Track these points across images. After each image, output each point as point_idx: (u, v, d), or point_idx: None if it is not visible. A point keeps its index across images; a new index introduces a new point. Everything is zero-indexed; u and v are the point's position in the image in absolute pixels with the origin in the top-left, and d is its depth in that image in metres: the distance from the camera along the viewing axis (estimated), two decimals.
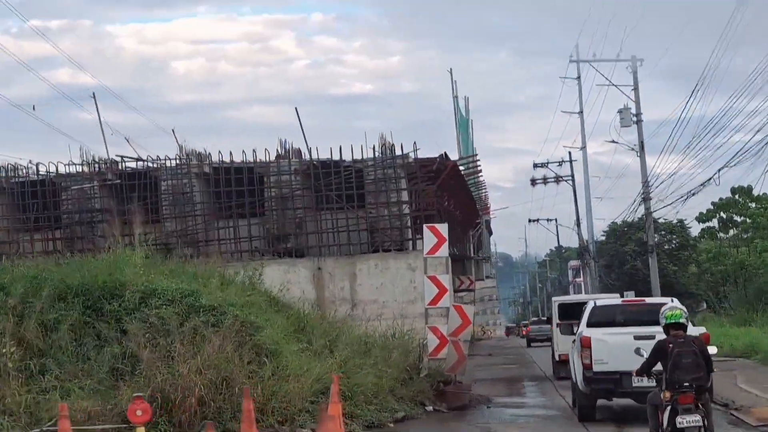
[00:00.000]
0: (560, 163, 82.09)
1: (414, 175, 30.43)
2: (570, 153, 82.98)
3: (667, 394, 12.65)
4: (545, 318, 60.81)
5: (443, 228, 26.12)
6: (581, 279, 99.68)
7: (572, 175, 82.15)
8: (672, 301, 18.40)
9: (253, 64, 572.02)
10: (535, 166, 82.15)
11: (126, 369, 19.02)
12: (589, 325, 20.81)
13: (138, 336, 19.29)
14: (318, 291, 28.93)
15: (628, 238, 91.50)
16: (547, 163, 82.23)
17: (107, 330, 20.01)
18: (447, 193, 39.47)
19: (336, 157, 30.07)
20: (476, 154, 43.24)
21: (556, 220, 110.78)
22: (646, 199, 53.17)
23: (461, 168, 35.68)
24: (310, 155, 30.87)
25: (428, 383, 24.48)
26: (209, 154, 31.38)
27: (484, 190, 53.68)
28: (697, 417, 12.41)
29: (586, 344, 19.84)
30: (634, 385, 18.59)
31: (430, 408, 23.73)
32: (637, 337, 17.57)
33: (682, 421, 12.37)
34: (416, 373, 24.23)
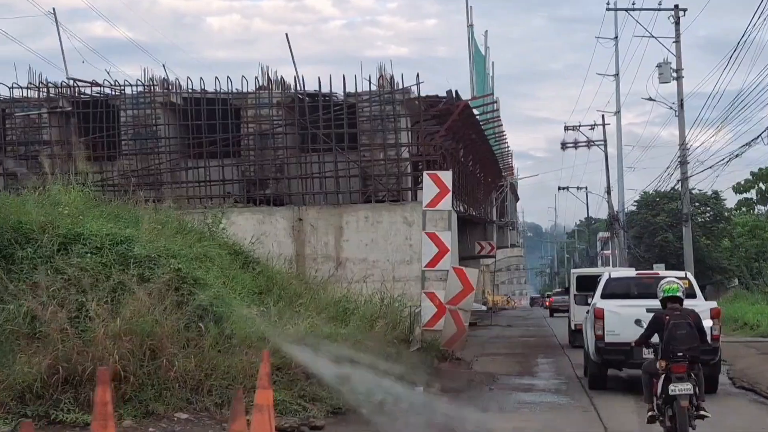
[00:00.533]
0: (592, 127, 77.61)
1: (419, 114, 25.95)
2: (603, 116, 78.45)
3: (662, 363, 12.99)
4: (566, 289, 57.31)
5: (446, 177, 21.94)
6: (609, 251, 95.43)
7: (604, 140, 77.65)
8: (685, 275, 19.88)
9: (288, 22, 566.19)
10: (566, 128, 77.66)
11: (24, 332, 14.88)
12: (604, 296, 20.97)
13: (44, 291, 15.17)
14: (297, 246, 24.51)
15: (661, 209, 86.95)
16: (579, 126, 77.70)
17: (16, 282, 15.90)
18: (462, 144, 35.11)
19: (326, 88, 25.68)
20: (492, 94, 37.89)
21: (586, 188, 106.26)
22: (682, 162, 48.52)
23: (476, 111, 30.93)
24: (296, 86, 26.37)
25: (420, 359, 20.28)
26: (177, 81, 26.95)
27: (506, 146, 49.06)
28: (689, 385, 12.81)
29: (599, 315, 19.94)
30: (644, 356, 17.63)
31: (420, 388, 19.50)
32: (649, 310, 16.37)
33: (675, 388, 12.74)
34: (405, 348, 20.00)
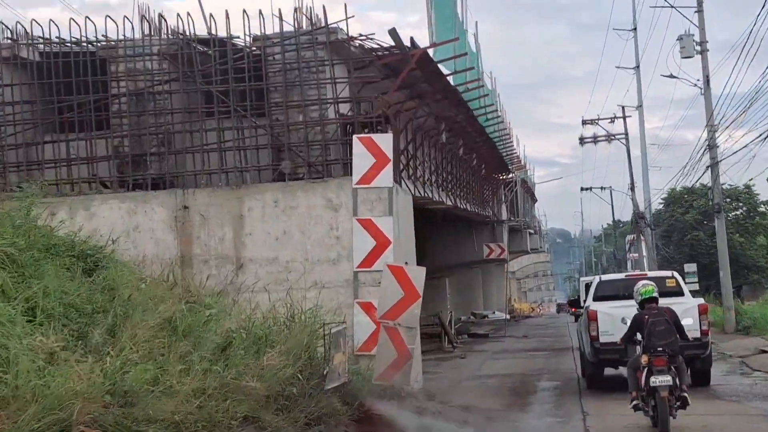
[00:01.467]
0: (612, 120, 70.53)
1: (358, 63, 18.84)
2: (623, 108, 71.38)
3: (645, 358, 14.02)
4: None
5: (385, 141, 15.55)
6: (636, 254, 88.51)
7: (625, 132, 70.67)
8: (672, 274, 21.62)
9: None
10: (584, 122, 70.61)
11: None
12: (596, 299, 21.30)
13: None
14: (182, 243, 17.34)
15: (689, 206, 79.89)
16: (598, 119, 70.68)
17: None
18: (444, 119, 28.47)
19: (224, 31, 18.74)
20: (458, 38, 29.65)
21: (610, 188, 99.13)
22: (711, 146, 41.51)
23: (446, 72, 23.78)
24: (185, 30, 19.44)
25: (342, 401, 13.62)
26: (22, 28, 19.87)
27: (504, 132, 42.16)
28: (668, 377, 13.76)
29: (592, 317, 20.21)
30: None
31: None
32: None
33: (655, 380, 13.70)
34: (319, 386, 13.28)
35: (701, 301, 20.00)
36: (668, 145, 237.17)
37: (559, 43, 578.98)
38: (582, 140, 70.74)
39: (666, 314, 14.34)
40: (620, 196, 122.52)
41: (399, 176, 17.77)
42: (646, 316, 14.29)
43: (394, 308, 14.51)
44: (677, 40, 42.97)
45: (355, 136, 15.71)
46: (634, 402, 14.31)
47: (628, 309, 17.41)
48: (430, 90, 22.59)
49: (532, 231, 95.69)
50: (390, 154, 15.38)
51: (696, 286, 63.74)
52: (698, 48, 42.72)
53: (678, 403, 13.91)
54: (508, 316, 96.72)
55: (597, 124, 70.45)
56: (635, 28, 73.95)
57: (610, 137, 70.47)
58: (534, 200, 79.88)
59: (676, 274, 21.80)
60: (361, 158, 15.38)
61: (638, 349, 14.61)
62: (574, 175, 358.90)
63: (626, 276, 24.35)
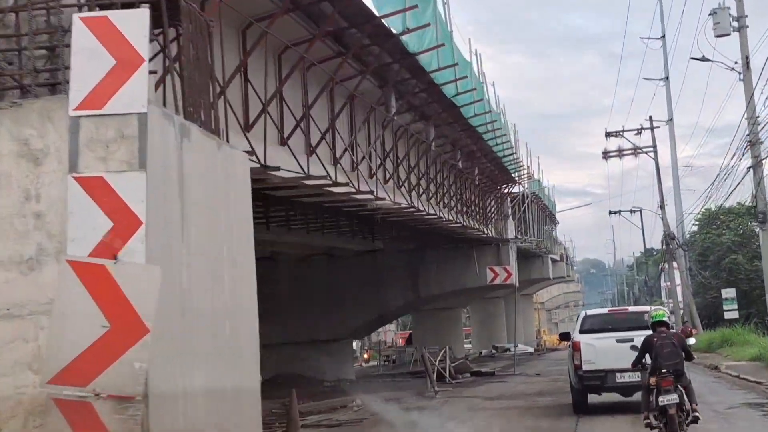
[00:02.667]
0: (639, 132, 62.12)
1: None
2: (650, 118, 63.02)
3: (653, 379, 14.85)
4: None
5: (134, 23, 7.36)
6: (669, 282, 79.97)
7: (654, 145, 62.24)
8: (652, 305, 25.35)
9: None
10: (608, 135, 62.21)
11: None
12: (581, 331, 22.06)
13: None
14: None
15: (726, 227, 71.10)
16: (623, 131, 62.21)
17: None
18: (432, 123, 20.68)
19: None
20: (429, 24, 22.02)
21: (640, 210, 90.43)
22: (753, 143, 33.13)
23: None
24: None
25: None
26: None
27: (506, 141, 34.08)
28: (675, 396, 14.56)
29: (576, 348, 21.46)
30: (617, 381, 20.73)
31: None
32: (618, 341, 20.49)
33: (663, 399, 14.55)
34: None
35: (675, 331, 19.05)
36: (701, 167, 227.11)
37: (590, 73, 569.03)
38: (606, 154, 62.37)
39: (673, 338, 15.26)
40: (652, 220, 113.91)
41: (211, 113, 9.65)
42: (655, 339, 15.11)
43: (83, 358, 6.50)
44: (710, 15, 34.72)
45: (75, 16, 7.81)
46: (646, 421, 15.12)
47: (609, 341, 20.71)
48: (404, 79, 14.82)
49: (556, 257, 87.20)
50: (145, 49, 7.53)
51: (735, 314, 55.60)
52: (736, 24, 34.45)
53: (689, 420, 14.84)
54: (531, 349, 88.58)
55: (622, 136, 62.05)
56: (663, 36, 65.96)
57: (636, 150, 62.01)
58: (554, 221, 71.16)
59: (653, 308, 21.02)
60: (87, 58, 7.56)
61: (626, 375, 19.12)
62: (602, 201, 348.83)
63: (609, 311, 26.59)
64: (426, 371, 31.28)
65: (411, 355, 67.98)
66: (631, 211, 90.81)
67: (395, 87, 21.13)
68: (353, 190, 18.15)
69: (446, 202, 31.46)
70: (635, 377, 19.30)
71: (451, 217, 31.84)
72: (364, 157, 21.38)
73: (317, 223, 32.66)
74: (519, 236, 43.64)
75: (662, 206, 60.63)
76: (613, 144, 64.46)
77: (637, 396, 18.37)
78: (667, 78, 65.38)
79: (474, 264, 41.37)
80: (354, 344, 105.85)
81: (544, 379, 39.97)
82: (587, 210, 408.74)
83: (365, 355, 72.26)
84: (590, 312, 24.28)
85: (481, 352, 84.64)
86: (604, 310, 27.10)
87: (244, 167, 10.59)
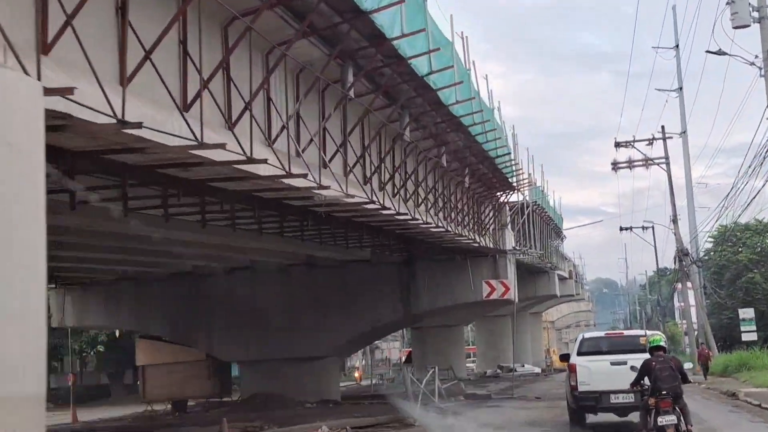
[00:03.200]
0: (650, 142, 58.37)
1: None
2: (663, 128, 59.27)
3: (652, 400, 15.43)
4: None
5: None
6: (683, 303, 76.09)
7: (666, 156, 58.44)
8: (644, 333, 22.11)
9: None
10: (617, 145, 58.46)
11: None
12: (579, 354, 22.48)
13: None
14: None
15: (742, 244, 67.29)
16: (633, 141, 58.45)
17: None
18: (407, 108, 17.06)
19: None
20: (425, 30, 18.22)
21: (653, 227, 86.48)
22: None
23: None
24: None
25: None
26: None
27: (503, 145, 30.27)
28: (673, 417, 15.18)
29: (572, 369, 22.13)
30: (611, 401, 21.28)
31: None
32: (612, 363, 21.24)
33: (662, 420, 15.14)
34: None
35: (672, 356, 18.86)
36: (717, 184, 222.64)
37: (602, 92, 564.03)
38: (615, 165, 58.62)
39: (671, 362, 15.77)
40: (665, 237, 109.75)
41: None
42: (653, 363, 15.60)
43: None
44: (727, 4, 31.02)
45: None
46: None
47: (603, 363, 21.68)
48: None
49: (564, 274, 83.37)
50: None
51: (754, 336, 51.70)
52: (756, 14, 30.78)
53: None
54: (538, 370, 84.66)
55: (632, 146, 58.29)
56: (677, 46, 62.35)
57: (647, 162, 58.23)
58: (560, 236, 67.27)
59: (648, 333, 21.57)
60: None
61: (620, 396, 20.45)
62: (615, 218, 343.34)
63: (605, 334, 27.50)
64: (407, 394, 27.47)
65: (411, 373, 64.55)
66: (643, 228, 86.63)
67: (352, 58, 17.35)
68: (283, 172, 14.31)
69: (429, 205, 27.75)
70: (629, 398, 20.22)
71: (431, 221, 28.09)
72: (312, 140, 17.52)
73: (294, 228, 29.12)
74: (518, 247, 39.82)
75: (675, 221, 56.80)
76: (624, 155, 60.59)
77: (632, 416, 19.78)
78: (681, 88, 61.77)
79: (468, 277, 37.68)
80: (356, 361, 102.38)
81: (544, 403, 36.20)
82: (600, 229, 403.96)
83: (356, 374, 68.40)
84: (587, 335, 25.33)
85: (485, 372, 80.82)
86: (601, 334, 28.13)
87: (33, 102, 6.95)
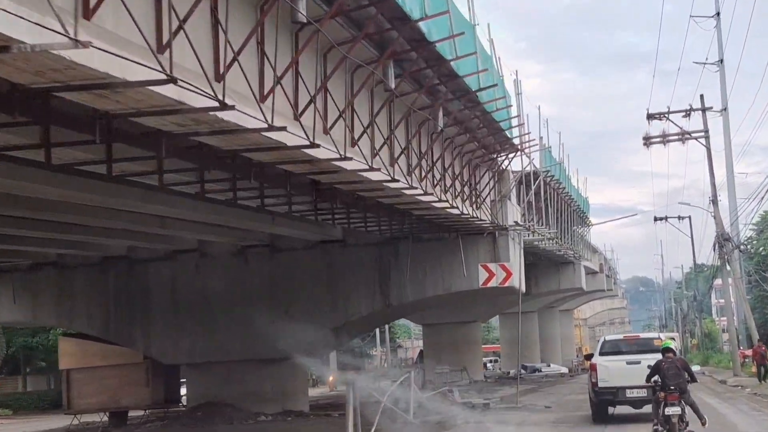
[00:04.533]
0: (687, 114, 49.90)
1: None
2: (702, 98, 50.85)
3: (662, 394, 17.38)
4: None
5: None
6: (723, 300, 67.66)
7: (705, 130, 49.89)
8: (659, 336, 27.02)
9: None
10: (650, 117, 50.05)
11: None
12: (600, 354, 24.81)
13: None
14: None
15: None
16: (668, 113, 50.02)
17: None
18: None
19: None
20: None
21: (689, 218, 77.97)
22: None
23: None
24: None
25: None
26: None
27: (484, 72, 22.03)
28: (678, 408, 17.11)
29: (593, 368, 24.36)
30: (627, 395, 23.45)
31: None
32: (628, 363, 23.41)
33: (668, 410, 17.12)
34: None
35: (680, 357, 21.48)
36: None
37: (641, 91, 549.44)
38: (647, 140, 50.17)
39: (678, 362, 17.89)
40: (702, 231, 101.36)
41: None
42: (663, 363, 17.58)
43: None
44: None
45: None
46: (655, 427, 17.61)
47: (620, 363, 23.81)
48: None
49: (593, 268, 74.84)
50: None
51: None
52: None
53: (686, 429, 17.33)
54: (565, 370, 76.21)
55: (667, 118, 49.87)
56: (718, 14, 53.90)
57: (683, 135, 49.80)
58: (585, 222, 58.63)
59: (661, 335, 26.82)
60: None
61: (635, 391, 22.68)
62: (650, 212, 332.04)
63: (624, 337, 29.08)
64: (348, 413, 19.40)
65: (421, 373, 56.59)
66: (679, 218, 78.43)
67: None
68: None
69: (413, 166, 20.05)
70: (642, 393, 21.94)
71: (404, 183, 20.22)
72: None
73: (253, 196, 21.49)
74: (522, 223, 31.43)
75: (715, 201, 48.31)
76: (656, 129, 52.21)
77: (647, 408, 21.62)
78: (722, 61, 53.31)
79: (460, 260, 29.68)
80: (377, 360, 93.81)
81: (553, 415, 28.31)
82: (636, 228, 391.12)
83: (330, 378, 60.10)
84: (608, 338, 27.75)
85: (508, 372, 72.60)
86: (620, 336, 29.71)
87: None
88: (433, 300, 31.64)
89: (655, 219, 76.87)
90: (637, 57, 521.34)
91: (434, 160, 23.95)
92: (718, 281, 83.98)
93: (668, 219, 76.17)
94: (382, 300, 30.58)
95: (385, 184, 19.33)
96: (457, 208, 25.70)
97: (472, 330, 58.93)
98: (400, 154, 20.24)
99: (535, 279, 59.19)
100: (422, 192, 21.82)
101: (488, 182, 30.25)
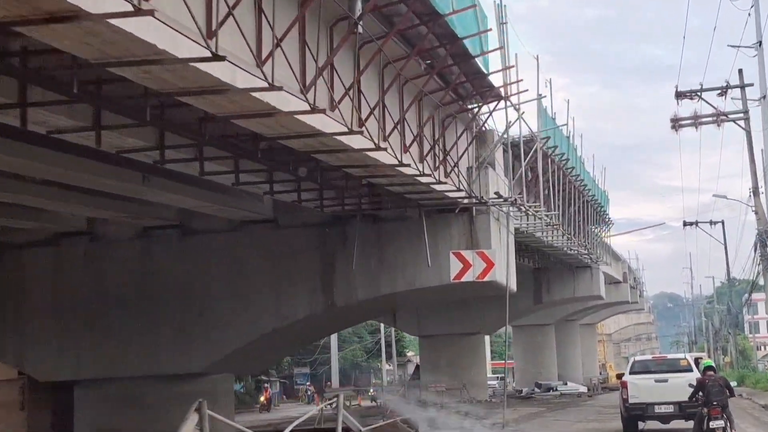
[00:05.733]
0: (722, 92, 41.66)
1: None
2: (740, 72, 42.60)
3: (705, 410, 17.93)
4: None
5: None
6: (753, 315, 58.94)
7: (745, 110, 41.66)
8: (684, 356, 27.28)
9: None
10: (679, 95, 41.89)
11: None
12: (631, 372, 25.55)
13: None
14: None
15: None
16: (701, 90, 41.80)
17: None
18: None
19: None
20: None
21: (723, 223, 69.58)
22: None
23: None
24: None
25: None
26: None
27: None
28: (721, 422, 17.76)
29: (624, 386, 25.08)
30: (655, 411, 24.15)
31: None
32: (656, 381, 24.45)
33: (713, 424, 17.74)
34: None
35: (698, 375, 21.19)
36: None
37: (667, 104, 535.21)
38: (676, 122, 41.96)
39: (719, 381, 18.45)
40: (736, 241, 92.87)
41: None
42: (706, 381, 18.23)
43: None
44: None
45: None
46: None
47: (648, 381, 24.60)
48: None
49: (615, 275, 66.46)
50: None
51: None
52: None
53: None
54: (583, 389, 67.69)
55: (699, 97, 41.66)
56: None
57: (718, 117, 41.57)
58: (605, 220, 50.10)
59: (687, 356, 27.51)
60: None
61: (662, 407, 23.80)
62: (677, 231, 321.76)
63: (652, 357, 30.37)
64: None
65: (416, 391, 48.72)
66: (710, 223, 69.99)
67: None
68: None
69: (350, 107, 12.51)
70: (669, 409, 23.59)
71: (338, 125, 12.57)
72: None
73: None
74: (509, 197, 23.01)
75: (756, 192, 40.03)
76: (687, 110, 44.07)
77: (674, 424, 24.09)
78: (760, 43, 45.05)
79: (423, 247, 21.66)
80: (382, 377, 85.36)
81: None
82: (664, 244, 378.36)
83: (262, 398, 51.69)
84: (638, 358, 28.84)
85: (520, 391, 64.35)
86: (649, 357, 30.94)
87: None
88: (391, 299, 23.57)
89: (685, 224, 68.40)
90: (661, 70, 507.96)
91: (383, 101, 16.21)
92: (758, 295, 75.17)
93: (699, 224, 68.09)
94: (324, 299, 22.65)
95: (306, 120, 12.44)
96: (414, 167, 17.84)
97: (475, 343, 50.68)
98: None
99: (546, 285, 51.05)
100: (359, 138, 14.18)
101: (463, 141, 22.26)
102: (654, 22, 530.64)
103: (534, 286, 50.64)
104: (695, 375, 22.05)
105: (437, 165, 20.17)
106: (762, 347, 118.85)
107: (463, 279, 21.80)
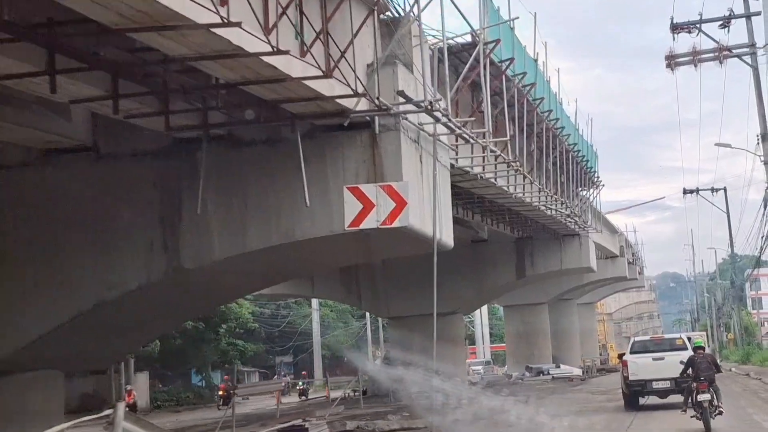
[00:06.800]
0: (724, 23, 33.86)
1: None
2: (746, 1, 34.69)
3: (694, 384, 18.72)
4: None
5: None
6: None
7: (751, 44, 33.84)
8: (680, 336, 27.81)
9: None
10: (676, 28, 34.09)
11: None
12: (631, 352, 26.42)
13: None
14: None
15: None
16: (700, 21, 33.98)
17: None
18: None
19: None
20: None
21: (725, 189, 61.96)
22: None
23: None
24: None
25: None
26: None
27: None
28: (708, 395, 18.40)
29: (625, 365, 26.15)
30: (653, 387, 25.17)
31: None
32: (654, 359, 25.21)
33: (701, 397, 18.39)
34: None
35: (690, 353, 21.61)
36: None
37: (670, 87, 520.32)
38: (672, 59, 34.20)
39: (707, 358, 19.29)
40: (740, 210, 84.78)
41: None
42: (696, 358, 19.10)
43: None
44: None
45: None
46: (688, 411, 18.94)
47: (646, 359, 25.38)
48: None
49: (614, 251, 58.73)
50: None
51: None
52: None
53: (716, 412, 18.56)
54: (577, 371, 59.87)
55: (698, 29, 33.86)
56: None
57: (722, 51, 33.73)
58: (593, 181, 41.97)
59: (683, 335, 28.48)
60: None
61: (660, 383, 24.80)
62: (679, 212, 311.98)
63: (651, 337, 30.95)
64: None
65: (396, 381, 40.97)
66: (712, 190, 62.29)
67: None
68: None
69: None
70: (666, 384, 24.56)
71: None
72: None
73: None
74: (422, 102, 15.12)
75: (765, 137, 32.21)
76: (683, 46, 36.33)
77: (671, 398, 24.34)
78: None
79: (300, 177, 14.00)
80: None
81: None
82: (666, 225, 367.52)
83: (220, 392, 43.93)
84: (638, 339, 29.14)
85: (510, 376, 56.77)
86: (647, 337, 31.47)
87: None
88: (270, 260, 15.91)
89: (685, 192, 61.12)
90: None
91: None
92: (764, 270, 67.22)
93: (700, 191, 60.79)
94: (166, 259, 15.03)
95: None
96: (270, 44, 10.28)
97: (451, 324, 42.77)
98: None
99: (530, 257, 43.23)
100: None
101: (369, 35, 14.61)
102: (655, 4, 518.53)
103: (516, 258, 42.99)
104: (690, 353, 22.45)
105: (330, 63, 12.63)
106: (766, 323, 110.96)
107: (363, 225, 14.17)
